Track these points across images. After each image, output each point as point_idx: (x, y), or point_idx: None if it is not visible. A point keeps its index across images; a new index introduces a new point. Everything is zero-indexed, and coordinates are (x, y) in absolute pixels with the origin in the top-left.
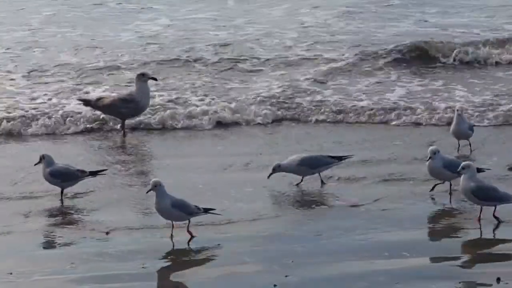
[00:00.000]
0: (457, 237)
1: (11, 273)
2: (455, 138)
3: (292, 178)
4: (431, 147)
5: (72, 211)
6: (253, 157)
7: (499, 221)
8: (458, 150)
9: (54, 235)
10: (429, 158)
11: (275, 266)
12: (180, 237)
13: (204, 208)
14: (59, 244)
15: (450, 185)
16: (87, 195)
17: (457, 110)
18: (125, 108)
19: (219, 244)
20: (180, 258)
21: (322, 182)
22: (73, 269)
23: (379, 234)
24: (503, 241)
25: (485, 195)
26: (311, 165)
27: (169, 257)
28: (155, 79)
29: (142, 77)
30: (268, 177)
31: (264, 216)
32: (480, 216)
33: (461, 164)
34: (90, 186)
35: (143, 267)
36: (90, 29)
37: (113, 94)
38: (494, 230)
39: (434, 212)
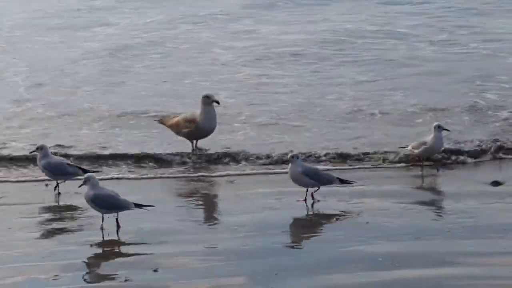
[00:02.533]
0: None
1: None
2: (427, 155)
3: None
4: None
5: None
6: None
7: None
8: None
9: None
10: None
11: (260, 278)
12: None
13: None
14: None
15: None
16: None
17: (438, 127)
18: (187, 129)
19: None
20: (164, 274)
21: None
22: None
23: (364, 246)
24: None
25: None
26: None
27: (151, 268)
28: (218, 103)
29: (207, 100)
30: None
31: (249, 229)
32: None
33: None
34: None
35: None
36: None
37: (183, 114)
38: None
39: (419, 223)
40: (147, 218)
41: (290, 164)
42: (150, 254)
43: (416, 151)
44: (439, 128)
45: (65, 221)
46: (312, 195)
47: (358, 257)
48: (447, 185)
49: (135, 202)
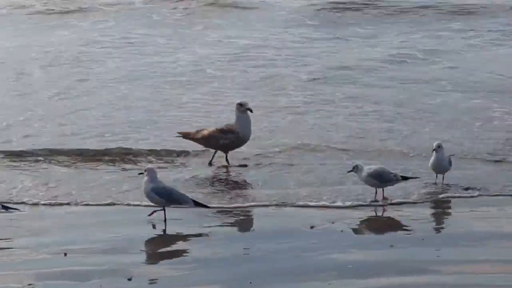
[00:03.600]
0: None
1: None
2: (434, 172)
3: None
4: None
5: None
6: None
7: None
8: (435, 182)
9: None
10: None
11: (234, 286)
12: (139, 259)
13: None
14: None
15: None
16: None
17: (438, 146)
18: (225, 140)
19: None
20: (139, 283)
21: None
22: None
23: (338, 255)
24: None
25: None
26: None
27: (127, 279)
28: (251, 111)
29: (240, 107)
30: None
31: (221, 237)
32: None
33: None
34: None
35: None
36: None
37: (213, 127)
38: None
39: (393, 231)
40: (122, 226)
41: None
42: (125, 262)
43: None
44: (439, 147)
45: (38, 229)
46: None
47: (332, 265)
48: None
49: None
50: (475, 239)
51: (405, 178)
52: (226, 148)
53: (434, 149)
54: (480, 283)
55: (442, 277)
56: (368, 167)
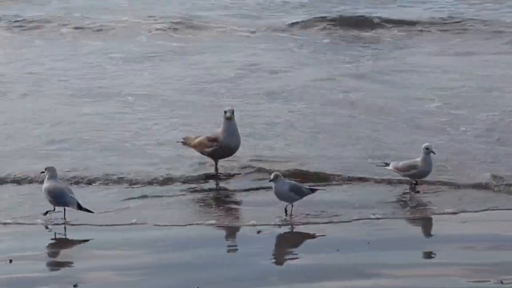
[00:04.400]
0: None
1: None
2: (417, 179)
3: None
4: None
5: None
6: None
7: None
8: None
9: None
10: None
11: None
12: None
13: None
14: None
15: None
16: None
17: (426, 148)
18: (209, 148)
19: None
20: None
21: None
22: None
23: (284, 259)
24: None
25: None
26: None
27: (73, 285)
28: (229, 118)
29: (224, 114)
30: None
31: (168, 242)
32: None
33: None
34: None
35: None
36: None
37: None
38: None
39: (341, 235)
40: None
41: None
42: (70, 268)
43: (402, 173)
44: (427, 150)
45: None
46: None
47: (280, 269)
48: (367, 197)
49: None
50: (420, 242)
51: (313, 191)
52: (212, 157)
53: (271, 180)
54: (426, 286)
55: (389, 281)
56: (288, 181)
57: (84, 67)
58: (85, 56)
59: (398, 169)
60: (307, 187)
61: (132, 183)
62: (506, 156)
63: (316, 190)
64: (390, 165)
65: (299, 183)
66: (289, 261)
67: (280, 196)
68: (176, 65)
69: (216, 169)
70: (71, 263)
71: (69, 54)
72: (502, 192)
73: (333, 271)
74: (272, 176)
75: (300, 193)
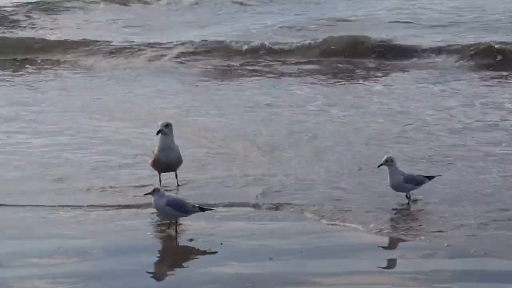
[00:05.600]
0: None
1: None
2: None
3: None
4: None
5: None
6: None
7: None
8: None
9: None
10: None
11: None
12: None
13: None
14: None
15: None
16: None
17: (386, 161)
18: (150, 160)
19: None
20: None
21: None
22: None
23: (217, 268)
24: None
25: None
26: None
27: None
28: (157, 132)
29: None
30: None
31: (98, 251)
32: None
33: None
34: None
35: None
36: None
37: None
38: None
39: (272, 244)
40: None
41: None
42: (4, 277)
43: None
44: (386, 162)
45: None
46: None
47: (212, 278)
48: None
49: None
50: (350, 250)
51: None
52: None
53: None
54: None
55: None
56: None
57: None
58: None
59: None
60: None
61: None
62: None
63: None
64: None
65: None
66: (221, 269)
67: None
68: None
69: (160, 180)
70: (5, 270)
71: None
72: None
73: (265, 280)
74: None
75: None
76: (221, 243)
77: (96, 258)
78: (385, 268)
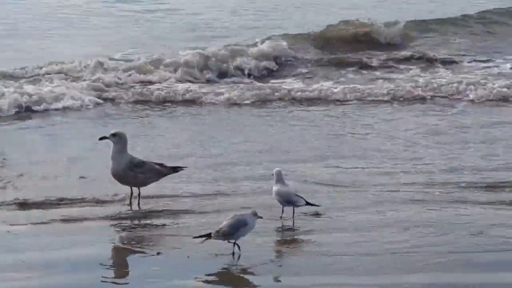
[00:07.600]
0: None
1: None
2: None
3: None
4: None
5: None
6: None
7: None
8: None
9: None
10: None
11: None
12: None
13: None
14: None
15: None
16: None
17: (272, 175)
18: None
19: None
20: None
21: None
22: None
23: (181, 281)
24: None
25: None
26: None
27: None
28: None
29: None
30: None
31: (66, 264)
32: None
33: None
34: None
35: None
36: None
37: None
38: None
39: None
40: None
41: None
42: None
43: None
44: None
45: None
46: None
47: None
48: None
49: None
50: None
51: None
52: None
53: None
54: None
55: None
56: None
57: None
58: None
59: None
60: None
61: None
62: None
63: None
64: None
65: None
66: (188, 283)
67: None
68: None
69: (131, 193)
70: None
71: None
72: None
73: None
74: None
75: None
76: (188, 257)
77: (58, 272)
78: None
